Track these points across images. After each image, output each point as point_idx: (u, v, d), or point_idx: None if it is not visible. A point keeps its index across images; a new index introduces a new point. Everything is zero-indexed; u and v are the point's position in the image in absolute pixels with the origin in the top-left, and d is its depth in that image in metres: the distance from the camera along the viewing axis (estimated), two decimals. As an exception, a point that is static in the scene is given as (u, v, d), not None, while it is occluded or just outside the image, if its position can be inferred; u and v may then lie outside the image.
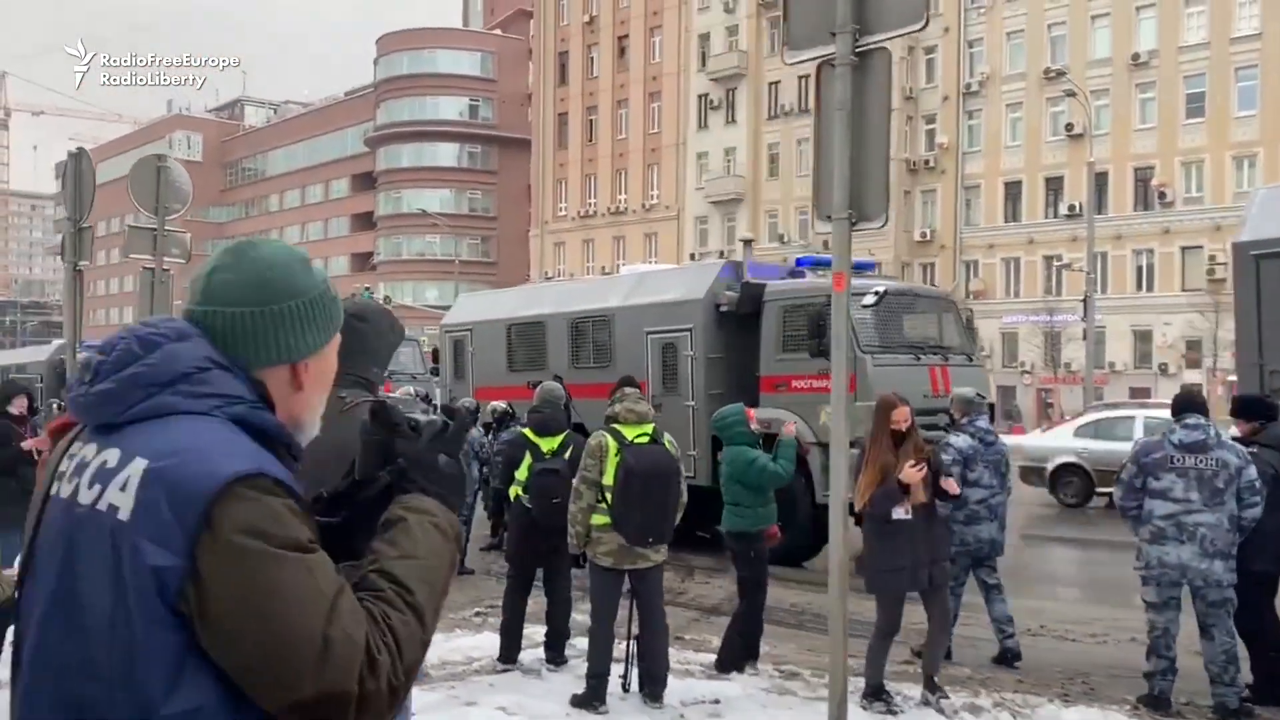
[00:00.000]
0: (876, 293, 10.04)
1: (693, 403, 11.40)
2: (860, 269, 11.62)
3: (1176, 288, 41.24)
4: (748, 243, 11.81)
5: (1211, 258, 38.74)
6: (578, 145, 60.54)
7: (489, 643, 6.88)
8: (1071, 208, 43.25)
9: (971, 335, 11.53)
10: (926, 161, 47.53)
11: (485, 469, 10.77)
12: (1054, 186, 44.94)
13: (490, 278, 69.87)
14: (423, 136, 70.29)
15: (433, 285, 67.49)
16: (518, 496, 6.79)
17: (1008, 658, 7.04)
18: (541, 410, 6.85)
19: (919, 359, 10.65)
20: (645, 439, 5.69)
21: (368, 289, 48.16)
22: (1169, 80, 41.67)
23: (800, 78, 52.28)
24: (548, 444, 6.70)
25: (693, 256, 54.46)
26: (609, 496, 5.60)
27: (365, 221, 74.98)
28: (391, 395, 10.62)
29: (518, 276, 71.07)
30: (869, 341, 10.39)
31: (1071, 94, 37.41)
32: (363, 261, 74.90)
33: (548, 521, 6.50)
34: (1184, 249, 41.47)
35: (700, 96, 54.97)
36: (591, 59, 60.15)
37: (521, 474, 6.72)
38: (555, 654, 6.66)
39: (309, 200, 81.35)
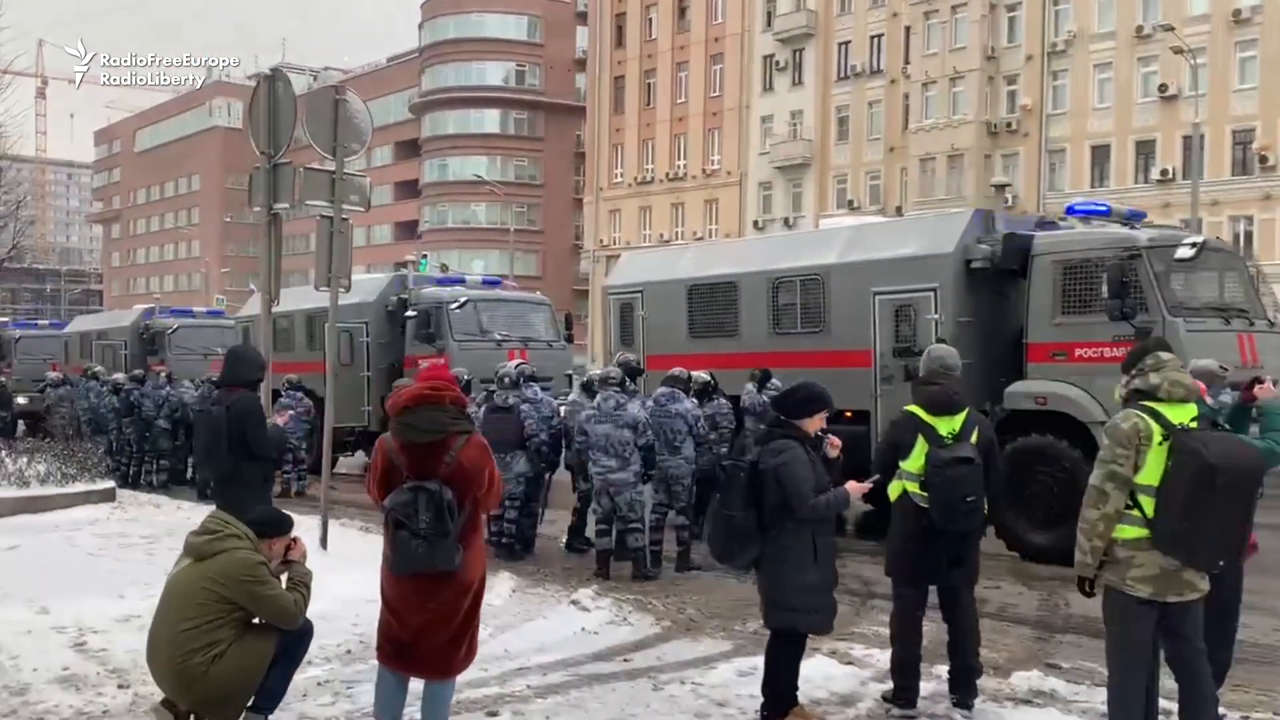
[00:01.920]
0: (1193, 243, 8.44)
1: (938, 374, 9.83)
2: (1132, 218, 10.02)
3: (1277, 255, 39.20)
4: (1001, 188, 10.22)
5: (1314, 224, 36.79)
6: (634, 110, 58.81)
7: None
8: (1164, 172, 41.29)
9: (1258, 295, 9.92)
10: (1008, 124, 45.48)
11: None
12: (1144, 150, 42.88)
13: (536, 247, 68.54)
14: (469, 103, 68.85)
15: (479, 254, 66.21)
16: (904, 493, 5.27)
17: None
18: (935, 381, 5.32)
19: (1229, 323, 9.05)
20: (1194, 423, 4.13)
21: (424, 256, 46.89)
22: (1272, 37, 39.47)
23: (872, 37, 50.58)
24: (947, 425, 5.19)
25: (756, 224, 52.88)
26: (1145, 501, 4.07)
27: (409, 190, 73.68)
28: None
29: (564, 245, 69.76)
30: (1179, 303, 8.79)
31: (1179, 51, 35.35)
32: (407, 230, 73.72)
33: (955, 525, 5.00)
34: (1287, 214, 39.45)
35: (765, 58, 53.07)
36: (650, 20, 58.33)
37: (914, 464, 5.21)
38: (965, 694, 5.17)
39: (350, 168, 79.86)
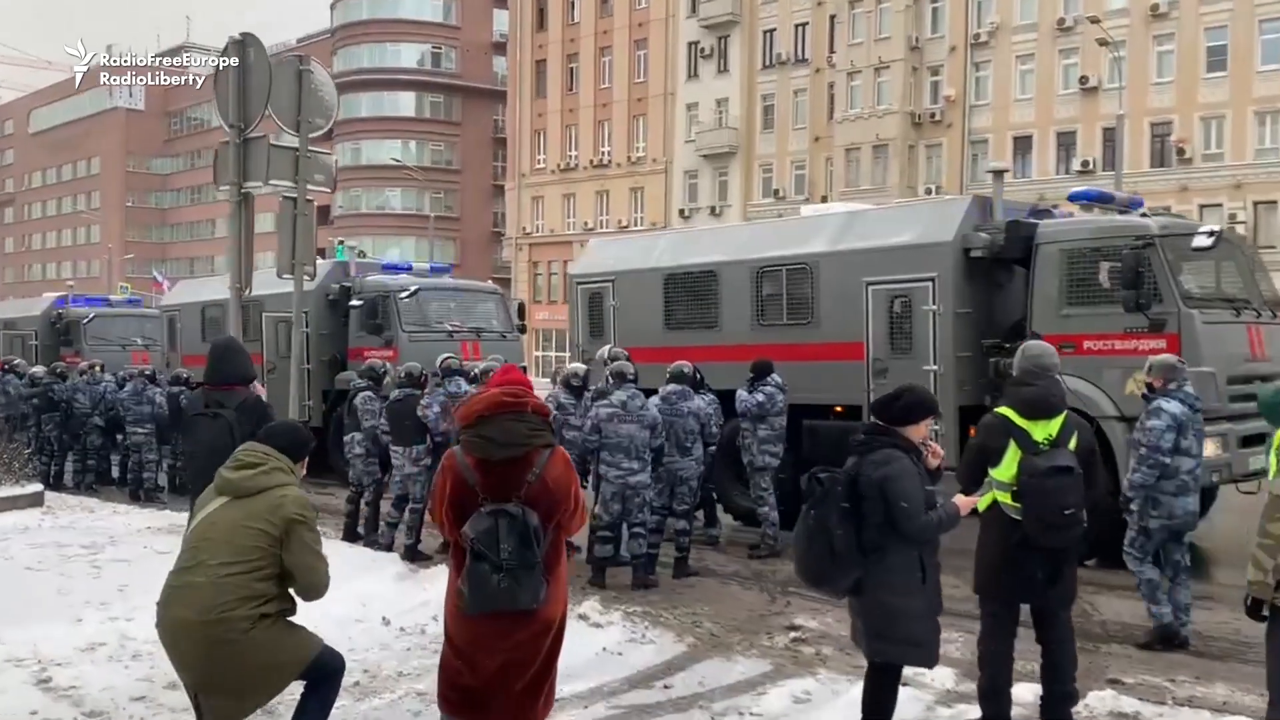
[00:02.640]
0: (1211, 232, 8.18)
1: (935, 367, 9.52)
2: (1132, 206, 9.79)
3: (1194, 246, 40.18)
4: (999, 174, 9.88)
5: (1232, 216, 37.66)
6: (557, 95, 57.95)
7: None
8: (1085, 164, 41.98)
9: (1256, 285, 9.75)
10: (932, 115, 45.85)
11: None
12: (1065, 142, 43.55)
13: (454, 234, 67.30)
14: (383, 85, 67.23)
15: (394, 241, 64.81)
16: (995, 504, 4.83)
17: (1175, 641, 6.59)
18: (1030, 383, 4.88)
19: (1238, 314, 8.84)
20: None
21: (341, 243, 45.50)
22: (1189, 32, 40.36)
23: (797, 26, 50.49)
24: (1043, 430, 4.76)
25: (682, 213, 52.57)
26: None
27: (321, 174, 71.70)
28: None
29: (482, 232, 68.60)
30: (1191, 293, 8.54)
31: (1104, 43, 35.96)
32: (318, 216, 71.40)
33: (1051, 540, 4.58)
34: (1202, 207, 40.26)
35: (690, 44, 52.68)
36: (572, 4, 57.50)
37: (1006, 473, 4.77)
38: (1059, 722, 4.76)
39: (260, 151, 77.62)
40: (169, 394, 13.94)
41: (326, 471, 16.03)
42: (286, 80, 8.10)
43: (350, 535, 10.48)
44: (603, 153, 56.14)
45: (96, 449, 14.95)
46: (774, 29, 50.50)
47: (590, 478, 9.04)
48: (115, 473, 15.28)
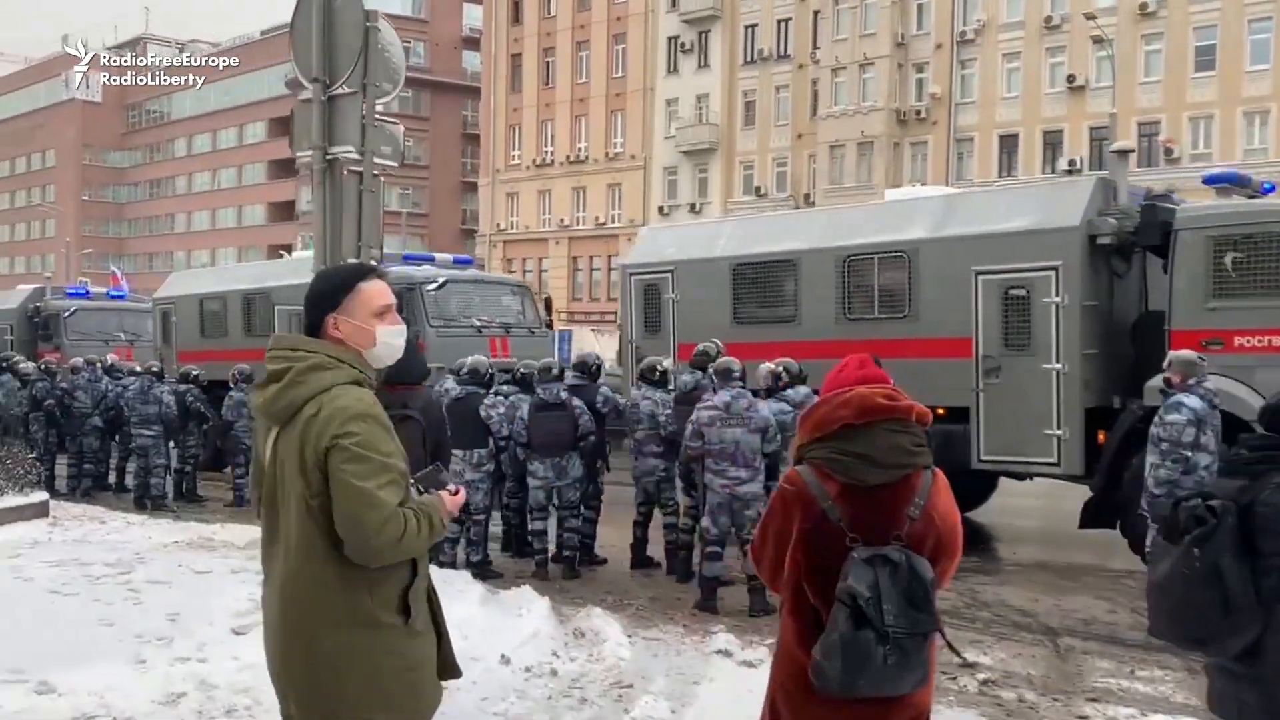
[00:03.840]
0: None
1: (1059, 365, 8.68)
2: (1265, 192, 9.02)
3: (1182, 247, 39.95)
4: (1123, 153, 9.08)
5: (1222, 216, 37.46)
6: (533, 90, 56.88)
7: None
8: (1071, 163, 41.57)
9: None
10: (917, 112, 45.37)
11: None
12: (1052, 140, 43.21)
13: (422, 230, 65.96)
14: (350, 78, 65.66)
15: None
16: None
17: None
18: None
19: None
20: None
21: (312, 238, 44.22)
22: (1178, 31, 40.14)
23: (779, 21, 49.81)
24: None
25: (661, 210, 51.73)
26: None
27: (284, 168, 70.07)
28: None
29: (451, 228, 67.25)
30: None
31: (1099, 40, 35.59)
32: (282, 211, 70.23)
33: None
34: (1191, 207, 40.17)
35: (670, 39, 51.83)
36: (549, -4, 56.49)
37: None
38: None
39: (221, 145, 75.88)
40: (176, 393, 12.80)
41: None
42: (351, 37, 7.06)
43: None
44: (579, 149, 55.18)
45: (94, 452, 13.76)
46: (756, 24, 49.83)
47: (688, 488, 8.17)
48: (112, 478, 14.10)
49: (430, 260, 14.98)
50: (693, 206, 51.37)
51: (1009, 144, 44.11)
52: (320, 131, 6.07)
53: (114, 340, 19.27)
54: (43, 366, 14.72)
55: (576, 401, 8.57)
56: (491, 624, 6.78)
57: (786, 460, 7.62)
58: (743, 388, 7.43)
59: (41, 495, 10.09)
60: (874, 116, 45.40)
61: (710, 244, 11.27)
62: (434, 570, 7.92)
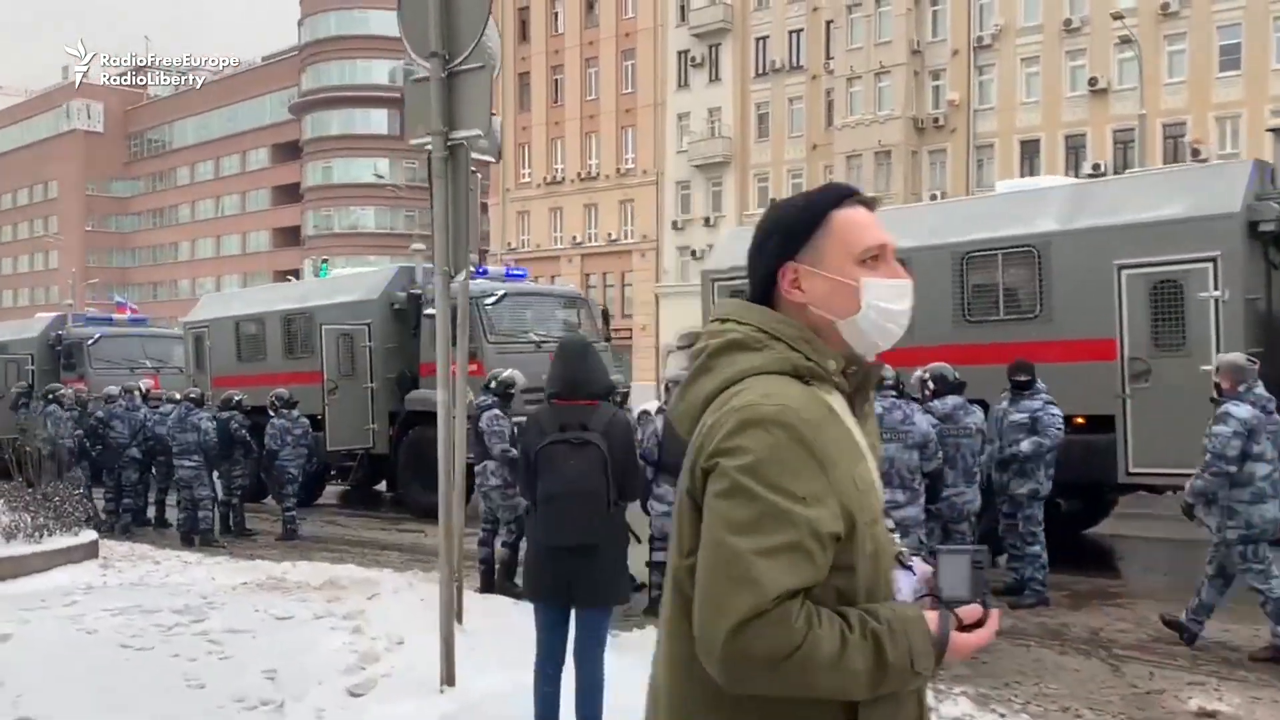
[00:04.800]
0: None
1: (1220, 365, 7.82)
2: None
3: (1212, 250, 39.20)
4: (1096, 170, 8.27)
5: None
6: (541, 108, 56.33)
7: None
8: (1095, 167, 40.61)
9: None
10: (935, 120, 44.75)
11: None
12: (1075, 144, 42.56)
13: (429, 252, 65.27)
14: (353, 102, 65.42)
15: (368, 261, 62.77)
16: None
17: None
18: None
19: None
20: None
21: (325, 261, 43.48)
22: (1201, 31, 39.55)
23: (791, 32, 49.24)
24: None
25: (675, 225, 51.18)
26: None
27: (288, 194, 69.57)
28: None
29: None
30: None
31: (1127, 40, 34.95)
32: (287, 237, 69.61)
33: None
34: (1220, 208, 39.44)
35: (680, 53, 51.27)
36: (556, 14, 55.99)
37: None
38: None
39: (224, 172, 75.41)
40: (218, 420, 11.95)
41: (397, 505, 14.14)
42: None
43: (489, 585, 8.62)
44: (590, 165, 54.64)
45: (132, 485, 12.91)
46: (767, 36, 49.33)
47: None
48: (151, 512, 13.25)
49: (483, 273, 14.16)
50: (707, 220, 50.76)
51: (1030, 150, 43.44)
52: (441, 114, 5.24)
53: (139, 367, 18.46)
54: (71, 394, 13.89)
55: None
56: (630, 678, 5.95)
57: (952, 479, 6.79)
58: (897, 397, 6.59)
59: (90, 535, 9.25)
60: (891, 125, 44.80)
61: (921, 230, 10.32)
62: (528, 608, 7.07)
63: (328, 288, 15.45)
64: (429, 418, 13.37)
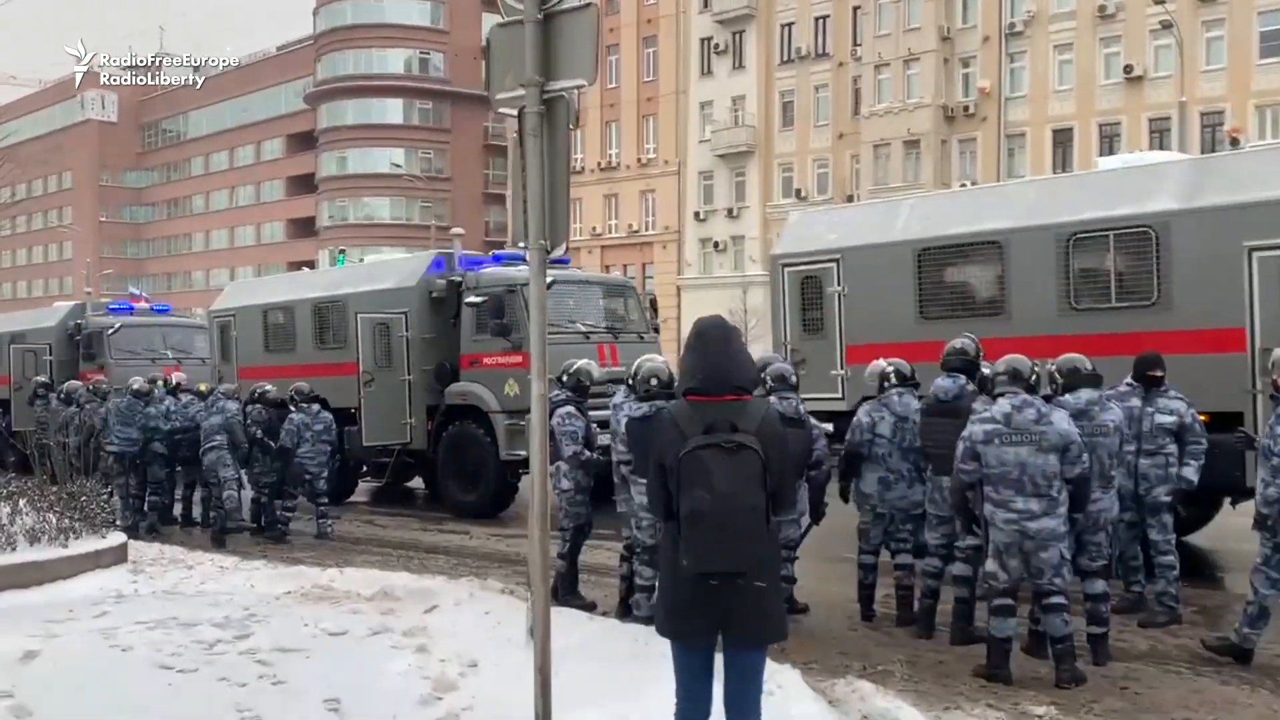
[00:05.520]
0: None
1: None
2: None
3: (1251, 240, 38.25)
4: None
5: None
6: (560, 96, 55.46)
7: None
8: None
9: None
10: (965, 108, 43.91)
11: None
12: (1109, 133, 41.64)
13: (445, 243, 64.66)
14: (369, 91, 64.77)
15: (383, 252, 62.10)
16: None
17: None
18: None
19: None
20: None
21: (342, 251, 42.80)
22: (1240, 17, 38.57)
23: (817, 19, 48.34)
24: None
25: (697, 215, 50.44)
26: None
27: (303, 184, 68.96)
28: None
29: (473, 243, 65.57)
30: None
31: (1167, 25, 34.01)
32: (301, 227, 69.05)
33: None
34: (1260, 198, 38.46)
35: (703, 40, 50.48)
36: (575, 1, 55.13)
37: None
38: None
39: (239, 163, 74.84)
40: (252, 414, 11.28)
41: (436, 503, 13.44)
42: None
43: (555, 594, 7.89)
44: (610, 155, 53.96)
45: (158, 482, 12.22)
46: (792, 23, 48.51)
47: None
48: (178, 509, 12.58)
49: (521, 259, 13.41)
50: (730, 211, 50.03)
51: (1063, 139, 42.55)
52: (536, 62, 4.51)
53: (160, 358, 17.79)
54: (90, 388, 13.22)
55: (814, 421, 7.05)
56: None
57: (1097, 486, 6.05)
58: (1028, 396, 5.83)
59: (119, 537, 8.56)
60: (920, 113, 43.99)
61: (886, 226, 9.64)
62: (613, 625, 6.31)
63: (361, 275, 14.73)
64: (469, 412, 12.69)
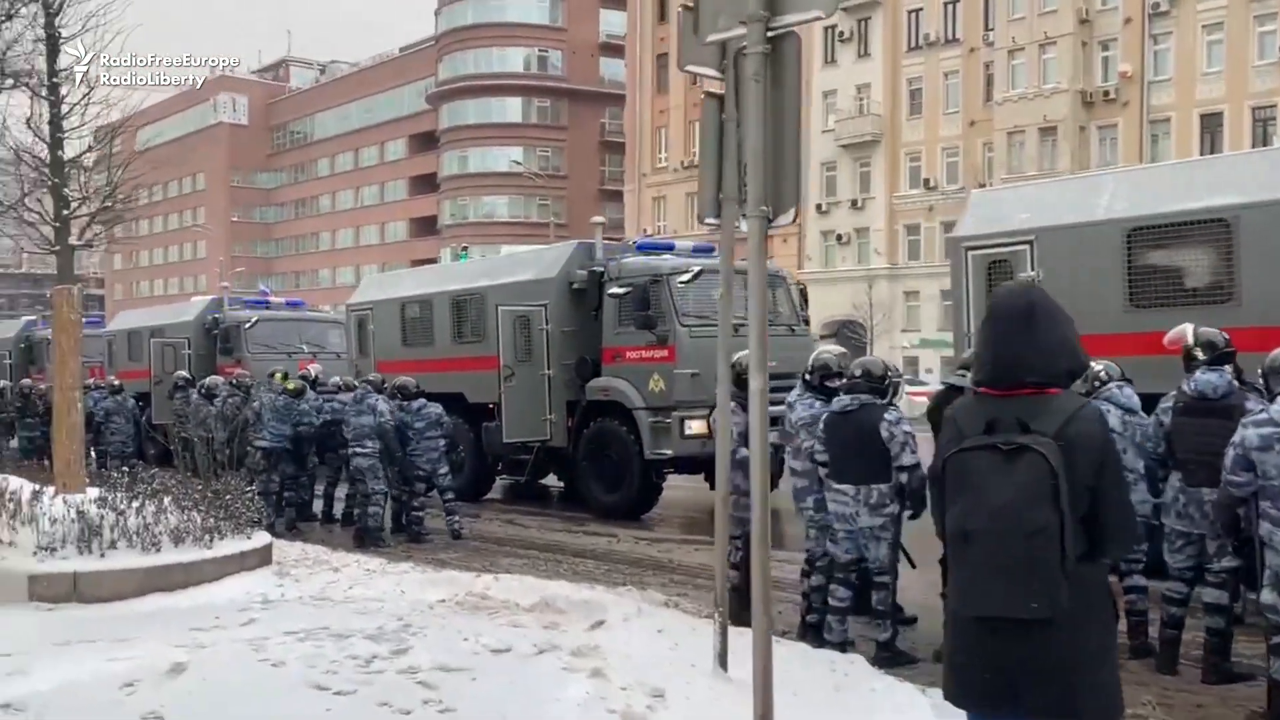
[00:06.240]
0: None
1: None
2: None
3: None
4: None
5: None
6: (680, 89, 54.90)
7: None
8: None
9: None
10: (1106, 93, 41.91)
11: None
12: (1263, 118, 39.21)
13: (563, 240, 64.68)
14: (489, 90, 65.24)
15: (503, 250, 62.39)
16: None
17: None
18: None
19: None
20: None
21: (465, 249, 42.94)
22: None
23: (946, 4, 46.70)
24: None
25: (819, 208, 49.23)
26: None
27: (424, 184, 69.88)
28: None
29: (590, 237, 65.47)
30: None
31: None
32: (423, 226, 69.99)
33: None
34: None
35: (827, 28, 49.16)
36: (696, -8, 54.46)
37: None
38: None
39: (363, 163, 76.32)
40: (405, 409, 10.87)
41: (580, 505, 12.87)
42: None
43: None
44: (730, 148, 53.05)
45: (292, 478, 11.93)
46: (920, 9, 47.07)
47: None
48: (318, 506, 12.29)
49: (669, 249, 12.76)
50: (854, 203, 48.85)
51: (1211, 124, 40.24)
52: (762, -7, 3.78)
53: (296, 352, 17.71)
54: (233, 381, 13.03)
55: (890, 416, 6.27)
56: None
57: None
58: (1241, 386, 4.91)
59: (264, 537, 8.16)
60: (1057, 99, 42.15)
61: (1087, 204, 8.62)
62: (822, 654, 5.53)
63: (500, 266, 14.26)
64: (613, 409, 12.08)
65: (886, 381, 6.22)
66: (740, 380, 7.50)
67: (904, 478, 6.01)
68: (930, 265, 45.45)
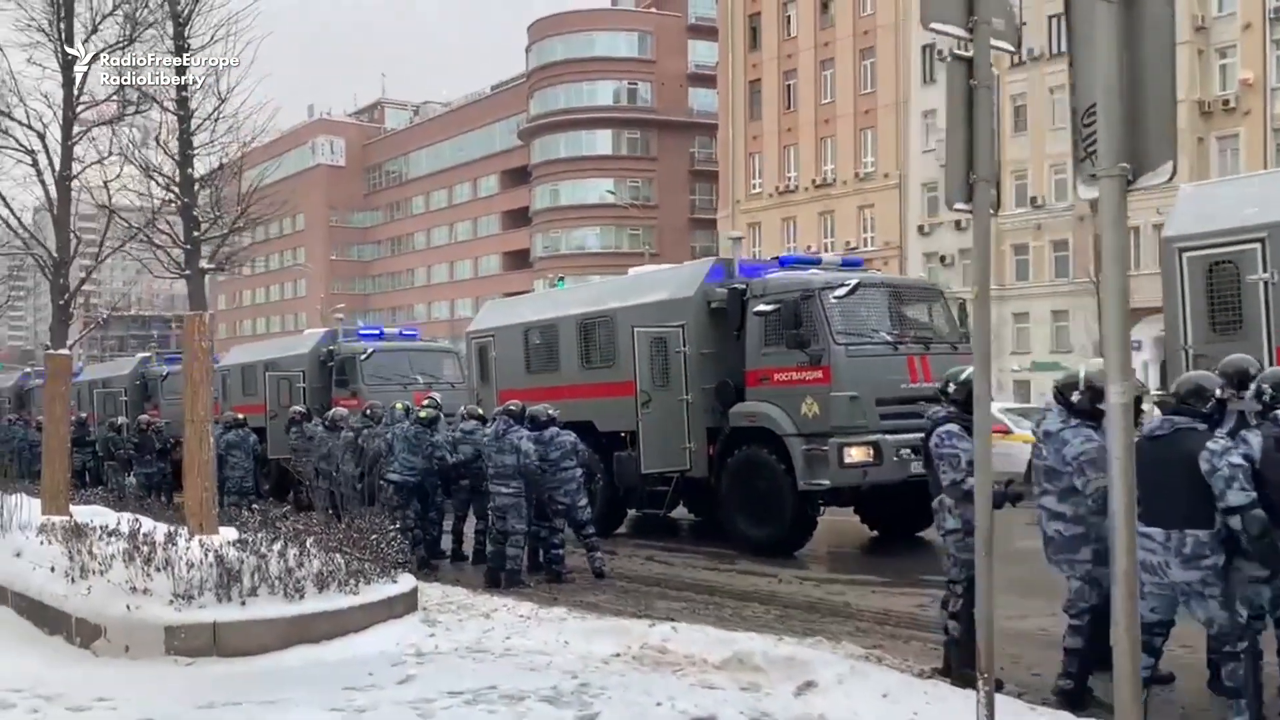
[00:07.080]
0: None
1: None
2: None
3: None
4: None
5: None
6: (773, 115, 54.23)
7: None
8: None
9: None
10: (1224, 102, 40.06)
11: None
12: (1399, 119, 36.99)
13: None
14: (579, 124, 65.47)
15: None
16: None
17: None
18: None
19: None
20: None
21: (561, 278, 42.61)
22: None
23: (1051, 17, 45.19)
24: None
25: (921, 229, 47.94)
26: None
27: (517, 219, 70.16)
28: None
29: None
30: None
31: None
32: (516, 260, 70.22)
33: None
34: None
35: (924, 48, 48.06)
36: (788, 18, 53.89)
37: None
38: None
39: (456, 200, 77.04)
40: (540, 441, 10.11)
41: (721, 539, 11.99)
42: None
43: (948, 666, 6.23)
44: (825, 171, 52.20)
45: (417, 514, 11.27)
46: (1023, 22, 45.30)
47: None
48: (446, 543, 11.62)
49: (815, 263, 11.90)
50: (958, 224, 47.21)
51: (1343, 131, 38.08)
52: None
53: (410, 383, 17.26)
54: (367, 412, 12.51)
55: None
56: None
57: None
58: None
59: (409, 580, 7.45)
60: (1173, 110, 40.30)
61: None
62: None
63: (629, 287, 13.52)
64: (758, 435, 11.21)
65: (1215, 402, 5.16)
66: (969, 401, 6.54)
67: (1233, 522, 4.95)
68: (1040, 284, 43.89)
